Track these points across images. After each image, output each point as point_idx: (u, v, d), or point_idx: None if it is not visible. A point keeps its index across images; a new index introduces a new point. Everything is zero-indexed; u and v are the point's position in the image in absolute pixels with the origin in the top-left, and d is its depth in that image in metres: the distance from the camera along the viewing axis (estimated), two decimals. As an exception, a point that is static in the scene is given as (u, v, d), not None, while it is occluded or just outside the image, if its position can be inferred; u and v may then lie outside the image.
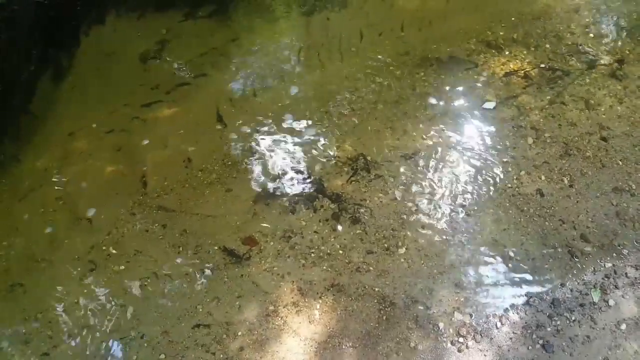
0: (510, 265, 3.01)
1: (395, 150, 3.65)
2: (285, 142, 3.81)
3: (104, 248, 3.25)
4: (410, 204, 3.33)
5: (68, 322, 2.97)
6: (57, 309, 3.03)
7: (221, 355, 2.75)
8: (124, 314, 2.96)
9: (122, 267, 3.16)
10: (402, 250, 3.08)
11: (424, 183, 3.45)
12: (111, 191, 3.55)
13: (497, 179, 3.43)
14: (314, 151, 3.72)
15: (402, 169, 3.54)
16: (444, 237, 3.15)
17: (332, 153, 3.68)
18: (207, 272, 3.09)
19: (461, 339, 2.72)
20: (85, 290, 3.08)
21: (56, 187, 3.64)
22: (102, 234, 3.31)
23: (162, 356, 2.77)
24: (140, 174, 3.64)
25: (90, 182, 3.64)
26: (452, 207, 3.30)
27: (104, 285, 3.08)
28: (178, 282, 3.08)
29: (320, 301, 2.91)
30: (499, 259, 3.04)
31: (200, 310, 2.94)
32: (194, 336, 2.83)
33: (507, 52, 4.37)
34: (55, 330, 2.95)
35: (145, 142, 3.84)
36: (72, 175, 3.70)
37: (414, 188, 3.42)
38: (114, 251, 3.23)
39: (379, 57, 4.40)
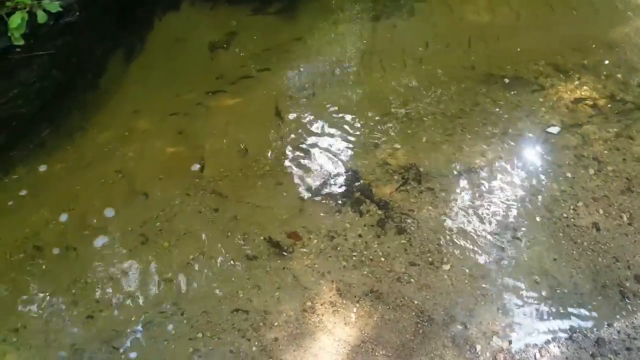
0: (556, 296, 2.92)
1: (449, 165, 3.61)
2: (339, 143, 3.84)
3: (157, 224, 3.39)
4: (459, 221, 3.29)
5: (114, 289, 3.12)
6: (106, 276, 3.19)
7: (256, 343, 2.82)
8: (168, 289, 3.08)
9: (172, 244, 3.28)
10: (446, 267, 3.05)
11: (475, 202, 3.39)
12: (169, 171, 3.69)
13: (553, 207, 3.34)
14: (366, 155, 3.73)
15: (454, 185, 3.50)
16: (491, 259, 3.09)
17: (384, 159, 3.69)
18: (252, 260, 3.18)
19: (497, 364, 2.67)
20: (134, 262, 3.22)
21: (117, 161, 3.82)
22: (156, 210, 3.46)
23: (200, 335, 2.86)
24: (199, 157, 3.76)
25: (150, 160, 3.79)
26: (502, 230, 3.23)
27: (152, 259, 3.22)
28: (223, 265, 3.17)
29: (358, 305, 2.93)
30: (545, 288, 2.95)
31: (241, 295, 3.02)
32: (232, 320, 2.92)
33: (576, 78, 4.24)
34: (102, 296, 3.10)
35: (206, 128, 3.97)
36: (133, 151, 3.88)
37: (465, 205, 3.38)
38: (165, 228, 3.37)
39: (443, 68, 4.37)
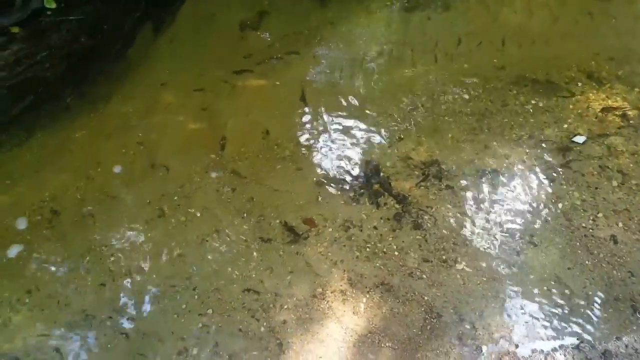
0: (567, 305, 2.90)
1: (472, 164, 3.58)
2: (362, 133, 3.82)
3: (175, 198, 3.42)
4: (476, 222, 3.27)
5: (128, 259, 3.17)
6: (121, 245, 3.24)
7: (265, 323, 2.85)
8: (182, 264, 3.11)
9: (188, 219, 3.31)
10: (459, 266, 3.04)
11: (495, 203, 3.36)
12: (190, 147, 3.71)
13: (572, 216, 3.29)
14: (388, 148, 3.71)
15: (475, 185, 3.46)
16: (506, 262, 3.07)
17: (406, 153, 3.66)
18: (266, 242, 3.20)
19: (502, 367, 2.67)
20: (150, 234, 3.26)
21: (139, 132, 3.85)
22: (175, 185, 3.49)
23: (210, 311, 2.90)
24: (220, 136, 3.77)
25: (172, 134, 3.82)
26: (519, 234, 3.20)
27: (168, 233, 3.25)
28: (237, 245, 3.19)
29: (368, 296, 2.94)
30: (557, 296, 2.93)
31: (253, 276, 3.05)
32: (243, 299, 2.95)
33: (608, 88, 4.14)
34: (115, 265, 3.15)
35: (230, 106, 3.97)
36: (156, 124, 3.90)
37: (484, 207, 3.35)
38: (183, 203, 3.40)
39: (473, 66, 4.30)
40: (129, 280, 3.09)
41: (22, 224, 3.36)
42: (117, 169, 3.62)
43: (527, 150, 3.68)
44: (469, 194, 3.42)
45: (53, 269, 3.18)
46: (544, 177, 3.52)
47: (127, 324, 2.89)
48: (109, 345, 2.83)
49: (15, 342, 2.91)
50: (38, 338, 2.92)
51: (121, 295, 3.01)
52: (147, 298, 3.00)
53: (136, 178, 3.55)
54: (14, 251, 3.26)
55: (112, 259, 3.18)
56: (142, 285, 3.05)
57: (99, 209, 3.43)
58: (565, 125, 3.86)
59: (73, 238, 3.30)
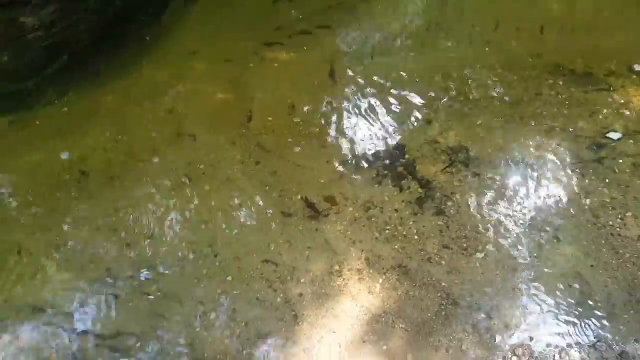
0: (587, 302, 2.85)
1: (501, 152, 3.51)
2: (389, 113, 3.78)
3: (200, 167, 3.46)
4: (501, 212, 3.22)
5: (153, 223, 3.24)
6: (146, 208, 3.31)
7: (281, 294, 2.90)
8: (204, 231, 3.17)
9: (213, 188, 3.36)
10: (479, 255, 3.01)
11: (521, 195, 3.30)
12: (218, 117, 3.74)
13: (600, 213, 3.22)
14: (415, 130, 3.66)
15: (502, 174, 3.40)
16: (527, 255, 3.04)
17: (434, 137, 3.61)
18: (286, 216, 3.23)
19: (514, 358, 2.66)
20: (175, 200, 3.32)
21: (168, 99, 3.89)
22: (201, 154, 3.53)
23: (229, 278, 2.96)
24: (248, 108, 3.79)
25: (201, 103, 3.85)
26: (543, 227, 3.15)
27: (193, 200, 3.31)
28: (258, 216, 3.23)
29: (384, 277, 2.95)
30: (577, 293, 2.89)
31: (272, 248, 3.09)
32: (262, 269, 3.00)
33: (650, 83, 3.99)
34: (140, 227, 3.23)
35: (259, 79, 3.97)
36: (185, 92, 3.94)
37: (509, 197, 3.29)
38: (208, 172, 3.44)
39: (510, 52, 4.18)
40: (152, 242, 3.17)
41: (52, 182, 3.47)
42: (145, 134, 3.67)
43: (559, 142, 3.58)
44: (495, 183, 3.36)
45: (81, 226, 3.28)
46: (574, 171, 3.43)
47: (148, 285, 2.98)
48: (130, 304, 2.92)
49: (41, 293, 3.04)
50: (63, 292, 3.04)
51: (144, 256, 3.10)
52: (169, 261, 3.08)
53: (163, 144, 3.60)
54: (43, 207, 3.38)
55: (137, 221, 3.26)
56: (165, 248, 3.13)
57: (126, 172, 3.50)
58: (601, 120, 3.73)
59: (100, 198, 3.39)
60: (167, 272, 3.02)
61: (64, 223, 3.31)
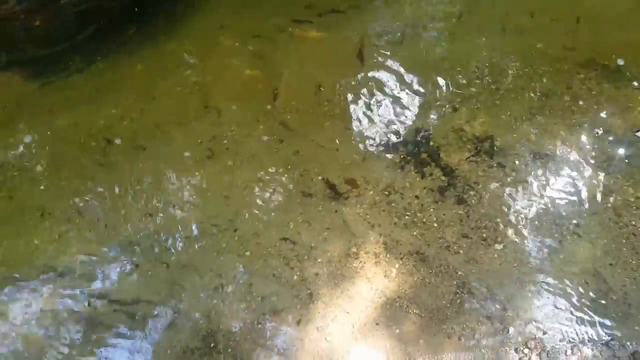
0: (602, 301, 2.84)
1: (527, 145, 3.45)
2: (416, 99, 3.73)
3: (224, 142, 3.48)
4: (523, 204, 3.19)
5: (175, 194, 3.29)
6: (170, 180, 3.35)
7: (298, 273, 2.93)
8: (225, 205, 3.21)
9: (235, 164, 3.38)
10: (498, 247, 3.00)
11: (544, 189, 3.26)
12: (244, 93, 3.74)
13: (623, 212, 3.17)
14: (442, 117, 3.61)
15: (527, 166, 3.36)
16: (546, 250, 3.02)
17: (460, 125, 3.56)
18: (306, 196, 3.25)
19: (526, 350, 2.67)
20: (198, 173, 3.36)
21: (196, 73, 3.89)
22: (226, 129, 3.54)
23: (248, 253, 3.01)
24: (274, 86, 3.77)
25: (227, 78, 3.84)
26: (564, 222, 3.12)
27: (216, 174, 3.34)
28: (279, 194, 3.26)
29: (401, 262, 2.96)
30: (593, 290, 2.87)
31: (291, 226, 3.11)
32: (280, 247, 3.03)
33: (686, 83, 3.88)
34: (163, 198, 3.28)
35: (286, 57, 3.94)
36: (212, 66, 3.93)
37: (533, 190, 3.26)
38: (232, 147, 3.46)
39: (543, 43, 4.07)
40: (174, 214, 3.22)
41: (77, 148, 3.53)
42: (171, 105, 3.69)
43: (586, 138, 3.52)
44: (519, 175, 3.32)
45: (104, 194, 3.34)
46: (599, 168, 3.37)
47: (168, 255, 3.04)
48: (149, 272, 2.99)
49: (62, 257, 3.12)
50: (83, 257, 3.11)
51: (166, 227, 3.15)
52: (190, 233, 3.13)
53: (189, 117, 3.62)
54: (68, 173, 3.44)
55: (160, 192, 3.31)
56: (186, 220, 3.17)
57: (150, 143, 3.54)
58: (632, 118, 3.65)
59: (124, 167, 3.44)
60: (186, 243, 3.08)
61: (88, 189, 3.37)
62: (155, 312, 2.88)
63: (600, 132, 3.55)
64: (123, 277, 3.02)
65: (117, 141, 3.54)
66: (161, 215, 3.21)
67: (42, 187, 3.43)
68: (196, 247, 3.06)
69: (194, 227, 3.14)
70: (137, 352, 2.80)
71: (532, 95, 3.73)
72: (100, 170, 3.43)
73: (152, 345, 2.80)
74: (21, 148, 3.62)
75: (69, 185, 3.40)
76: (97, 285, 3.02)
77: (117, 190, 3.36)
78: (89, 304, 2.96)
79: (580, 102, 3.72)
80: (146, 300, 2.92)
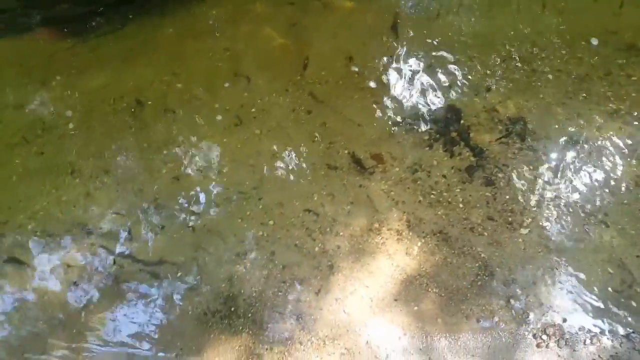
0: (626, 292, 2.80)
1: (559, 129, 3.36)
2: (449, 76, 3.64)
3: (252, 110, 3.48)
4: (551, 190, 3.13)
5: (202, 160, 3.31)
6: (197, 145, 3.37)
7: (320, 244, 2.96)
8: (251, 173, 3.23)
9: (262, 133, 3.39)
10: (524, 231, 2.97)
11: (574, 175, 3.19)
12: (274, 61, 3.70)
13: (655, 204, 3.11)
14: (474, 96, 3.53)
15: (558, 151, 3.28)
16: (572, 237, 2.97)
17: (492, 105, 3.48)
18: (331, 169, 3.24)
19: (544, 337, 2.67)
20: (225, 140, 3.37)
21: (227, 39, 3.85)
22: (254, 97, 3.53)
23: (271, 222, 3.04)
24: (304, 56, 3.72)
25: (258, 46, 3.80)
26: (592, 211, 3.06)
27: (243, 142, 3.35)
28: (304, 165, 3.25)
29: (423, 241, 2.96)
30: (617, 281, 2.83)
31: (315, 198, 3.12)
32: (303, 218, 3.05)
33: None
34: (190, 162, 3.30)
35: (318, 26, 3.87)
36: (244, 33, 3.89)
37: (563, 175, 3.19)
38: (259, 116, 3.45)
39: (583, 25, 3.92)
40: (201, 178, 3.25)
41: (107, 107, 3.56)
42: (202, 70, 3.67)
43: (621, 126, 3.41)
44: (550, 160, 3.25)
45: (132, 154, 3.38)
46: (632, 157, 3.27)
47: (194, 219, 3.09)
48: (175, 235, 3.05)
49: (90, 215, 3.19)
50: (111, 216, 3.18)
51: (192, 191, 3.19)
52: (215, 198, 3.16)
53: (219, 83, 3.62)
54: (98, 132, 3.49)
55: (187, 155, 3.34)
56: (212, 185, 3.21)
57: (180, 106, 3.55)
58: (672, 107, 3.53)
59: (153, 130, 3.46)
60: (212, 208, 3.11)
61: (117, 150, 3.42)
62: (179, 274, 2.95)
63: (636, 119, 3.44)
64: (149, 238, 3.08)
65: (147, 103, 3.56)
66: (188, 179, 3.25)
67: (72, 145, 3.49)
68: (221, 212, 3.10)
69: (220, 193, 3.17)
70: (158, 311, 2.88)
71: (568, 78, 3.61)
72: (130, 131, 3.47)
73: (174, 306, 2.88)
74: (53, 106, 3.67)
75: (99, 145, 3.45)
76: (123, 244, 3.10)
77: (145, 152, 3.39)
78: (114, 262, 3.04)
79: (618, 88, 3.59)
80: (170, 262, 2.98)
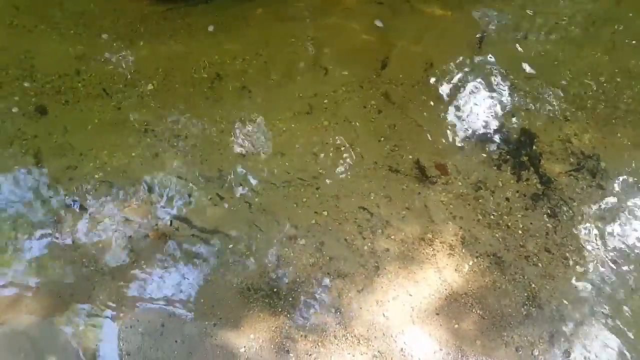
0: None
1: (634, 172, 3.23)
2: (527, 99, 3.55)
3: (325, 101, 3.51)
4: (614, 234, 3.02)
5: (270, 140, 3.37)
6: (266, 125, 3.44)
7: (369, 244, 2.98)
8: (313, 162, 3.27)
9: (330, 125, 3.42)
10: (579, 269, 2.88)
11: (644, 223, 3.07)
12: (354, 56, 3.72)
13: None
14: (551, 124, 3.43)
15: (629, 195, 3.15)
16: (627, 289, 2.86)
17: (568, 136, 3.37)
18: (393, 172, 3.24)
19: (584, 380, 2.60)
20: (294, 125, 3.43)
21: (312, 28, 3.89)
22: (328, 88, 3.57)
23: (325, 213, 3.08)
24: (384, 55, 3.73)
25: (342, 39, 3.83)
26: (658, 263, 2.94)
27: (310, 130, 3.40)
28: (366, 164, 3.27)
29: (475, 260, 2.92)
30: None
31: (372, 198, 3.14)
32: (357, 214, 3.08)
33: None
34: (257, 140, 3.37)
35: (403, 28, 3.86)
36: (330, 24, 3.92)
37: (629, 220, 3.06)
38: (330, 108, 3.49)
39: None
40: (265, 158, 3.31)
41: (187, 77, 3.67)
42: (283, 54, 3.72)
43: None
44: (618, 203, 3.13)
45: (204, 125, 3.49)
46: None
47: (252, 196, 3.17)
48: (232, 208, 3.14)
49: (155, 174, 3.30)
50: (175, 179, 3.29)
51: (255, 169, 3.26)
52: (275, 180, 3.23)
53: (297, 69, 3.67)
54: (175, 97, 3.61)
55: (255, 135, 3.41)
56: (274, 167, 3.27)
57: (256, 85, 3.62)
58: None
59: (228, 103, 3.55)
60: (271, 189, 3.18)
61: (190, 117, 3.53)
62: (231, 246, 3.03)
63: None
64: (207, 206, 3.18)
65: (226, 77, 3.66)
66: (253, 158, 3.33)
67: (149, 105, 3.63)
68: (279, 195, 3.17)
69: (280, 175, 3.23)
70: (204, 278, 2.98)
71: (648, 119, 3.45)
72: (206, 102, 3.58)
73: (219, 276, 2.97)
74: (137, 64, 3.83)
75: (174, 109, 3.57)
76: (182, 207, 3.21)
77: (217, 124, 3.49)
78: (170, 223, 3.16)
79: None
80: (224, 233, 3.07)
